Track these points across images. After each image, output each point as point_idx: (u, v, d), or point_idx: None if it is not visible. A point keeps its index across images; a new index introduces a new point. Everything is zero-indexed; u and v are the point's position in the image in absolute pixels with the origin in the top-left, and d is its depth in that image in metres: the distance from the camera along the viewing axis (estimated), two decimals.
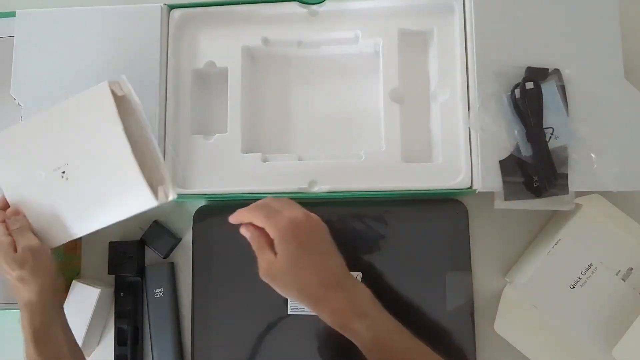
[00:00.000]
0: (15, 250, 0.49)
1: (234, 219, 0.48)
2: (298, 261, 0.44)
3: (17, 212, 0.52)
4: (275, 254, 0.44)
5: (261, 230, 0.46)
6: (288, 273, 0.44)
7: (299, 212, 0.46)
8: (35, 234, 0.51)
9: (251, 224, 0.47)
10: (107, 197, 0.50)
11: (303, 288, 0.44)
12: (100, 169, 0.49)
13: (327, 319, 0.44)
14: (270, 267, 0.45)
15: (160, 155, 0.50)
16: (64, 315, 0.51)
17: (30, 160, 0.52)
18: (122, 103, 0.49)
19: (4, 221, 0.51)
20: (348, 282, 0.46)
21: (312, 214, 0.47)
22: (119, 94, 0.49)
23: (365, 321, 0.43)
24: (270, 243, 0.45)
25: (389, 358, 0.43)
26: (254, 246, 0.46)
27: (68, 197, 0.51)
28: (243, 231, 0.47)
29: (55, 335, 0.49)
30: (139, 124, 0.50)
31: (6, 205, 0.53)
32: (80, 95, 0.50)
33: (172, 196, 0.49)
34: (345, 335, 0.44)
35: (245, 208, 0.47)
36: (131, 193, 0.49)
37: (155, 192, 0.48)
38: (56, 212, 0.51)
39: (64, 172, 0.50)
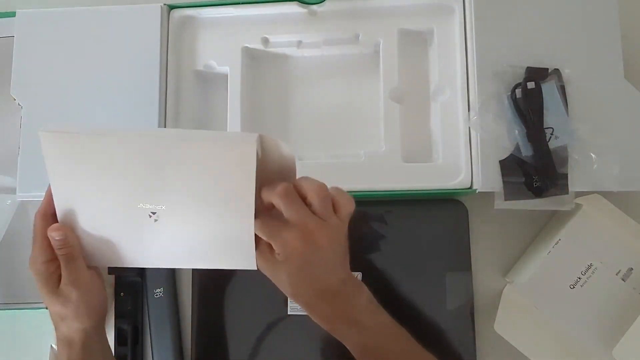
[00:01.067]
0: (59, 281, 0.42)
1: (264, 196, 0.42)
2: (296, 276, 0.42)
3: (63, 230, 0.41)
4: (277, 253, 0.41)
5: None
6: (283, 280, 0.42)
7: (312, 224, 0.40)
8: (85, 256, 0.43)
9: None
10: (200, 250, 0.43)
11: (296, 295, 0.43)
12: (204, 226, 0.42)
13: (317, 322, 0.43)
14: (267, 263, 0.42)
15: None
16: (105, 341, 0.47)
17: (111, 180, 0.40)
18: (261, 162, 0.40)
19: (47, 237, 0.41)
20: (347, 290, 0.43)
21: (331, 222, 0.41)
22: (260, 154, 0.39)
23: (356, 327, 0.42)
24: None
25: None
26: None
27: (144, 235, 0.42)
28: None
29: None
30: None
31: (51, 212, 0.42)
32: (216, 140, 0.39)
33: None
34: (336, 337, 0.43)
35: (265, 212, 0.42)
36: (234, 257, 0.43)
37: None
38: (117, 238, 0.43)
39: (154, 213, 0.41)
